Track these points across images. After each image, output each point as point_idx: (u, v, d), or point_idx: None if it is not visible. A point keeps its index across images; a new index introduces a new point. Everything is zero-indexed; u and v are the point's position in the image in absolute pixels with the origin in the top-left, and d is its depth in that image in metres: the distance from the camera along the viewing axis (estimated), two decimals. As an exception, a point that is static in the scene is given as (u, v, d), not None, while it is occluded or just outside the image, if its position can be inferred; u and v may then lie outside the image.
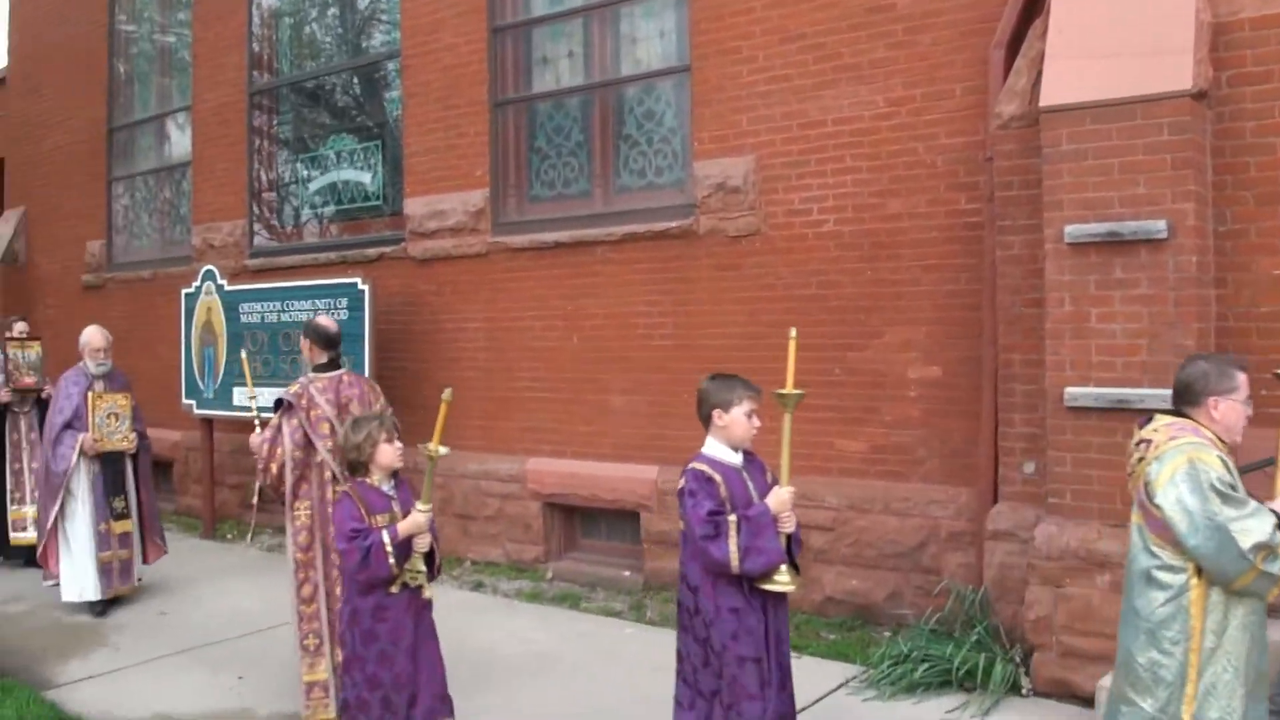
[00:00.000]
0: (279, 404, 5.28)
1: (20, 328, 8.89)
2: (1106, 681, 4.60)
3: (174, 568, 7.91)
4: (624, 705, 5.17)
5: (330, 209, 9.71)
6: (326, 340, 5.45)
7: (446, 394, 3.94)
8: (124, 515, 7.20)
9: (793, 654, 5.74)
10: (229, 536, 9.50)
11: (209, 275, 9.48)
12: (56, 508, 7.03)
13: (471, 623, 6.53)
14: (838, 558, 6.34)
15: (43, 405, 8.26)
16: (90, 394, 7.06)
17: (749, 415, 3.83)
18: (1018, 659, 5.20)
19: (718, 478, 3.73)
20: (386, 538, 3.94)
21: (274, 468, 5.20)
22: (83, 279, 12.34)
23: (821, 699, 5.11)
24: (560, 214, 7.87)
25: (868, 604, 6.29)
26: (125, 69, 12.29)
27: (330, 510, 4.97)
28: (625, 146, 7.64)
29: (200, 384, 9.56)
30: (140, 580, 7.43)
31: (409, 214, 8.61)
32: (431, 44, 8.50)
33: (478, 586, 7.55)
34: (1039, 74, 5.37)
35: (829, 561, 6.40)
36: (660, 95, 7.47)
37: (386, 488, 4.19)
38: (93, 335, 7.35)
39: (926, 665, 5.25)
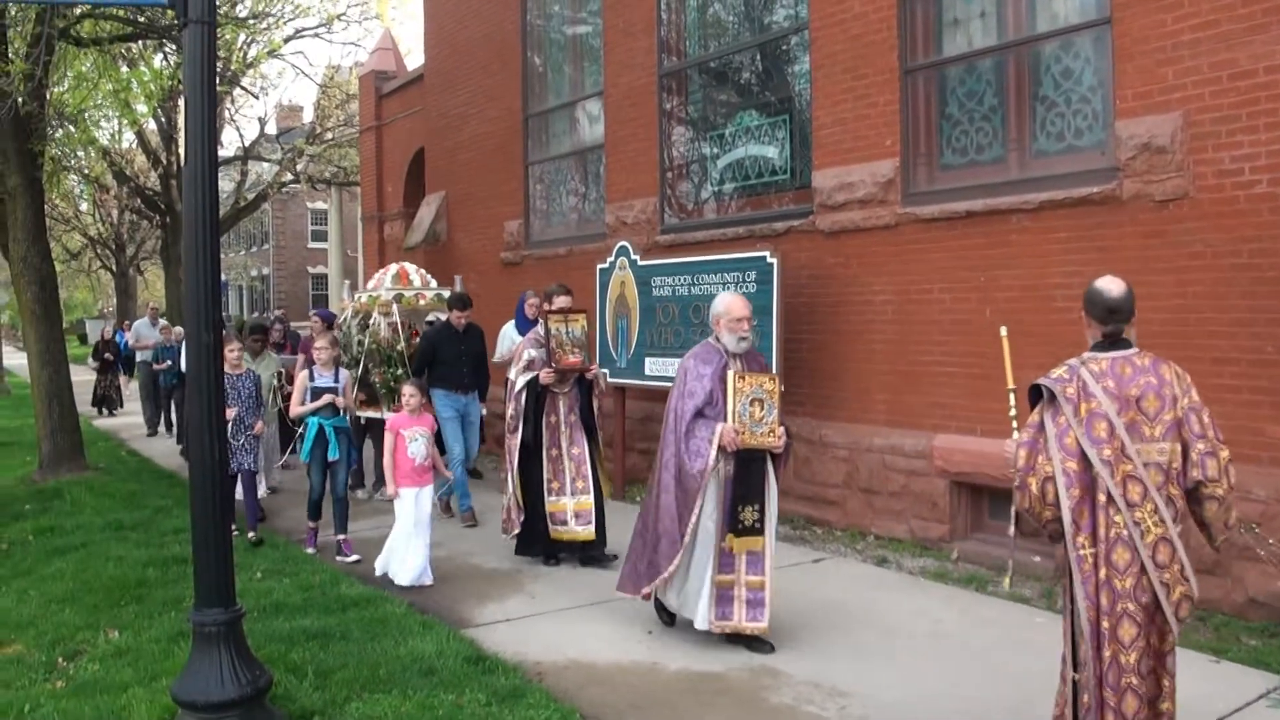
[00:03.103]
0: (1035, 393, 4.30)
1: (562, 301, 8.61)
2: None
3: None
4: (1037, 697, 5.09)
5: (735, 184, 11.09)
6: (1101, 308, 4.24)
7: None
8: (754, 530, 6.34)
9: (1210, 658, 6.09)
10: (638, 499, 10.93)
11: (623, 251, 11.18)
12: (695, 517, 6.31)
13: (876, 598, 7.41)
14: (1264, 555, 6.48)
15: (584, 385, 8.58)
16: (729, 374, 6.32)
17: None
18: None
19: None
20: None
21: (1033, 484, 4.14)
22: (501, 256, 14.82)
23: (1238, 710, 5.18)
24: (972, 182, 8.59)
25: (1296, 609, 6.44)
26: (538, 60, 14.44)
27: (1108, 550, 4.00)
28: (1041, 108, 8.23)
29: (614, 354, 11.33)
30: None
31: (817, 186, 9.70)
32: (839, 14, 9.53)
33: (881, 562, 8.49)
34: None
35: (1253, 559, 6.57)
36: (1078, 51, 7.99)
37: None
38: (732, 303, 6.54)
39: (1360, 683, 5.36)
